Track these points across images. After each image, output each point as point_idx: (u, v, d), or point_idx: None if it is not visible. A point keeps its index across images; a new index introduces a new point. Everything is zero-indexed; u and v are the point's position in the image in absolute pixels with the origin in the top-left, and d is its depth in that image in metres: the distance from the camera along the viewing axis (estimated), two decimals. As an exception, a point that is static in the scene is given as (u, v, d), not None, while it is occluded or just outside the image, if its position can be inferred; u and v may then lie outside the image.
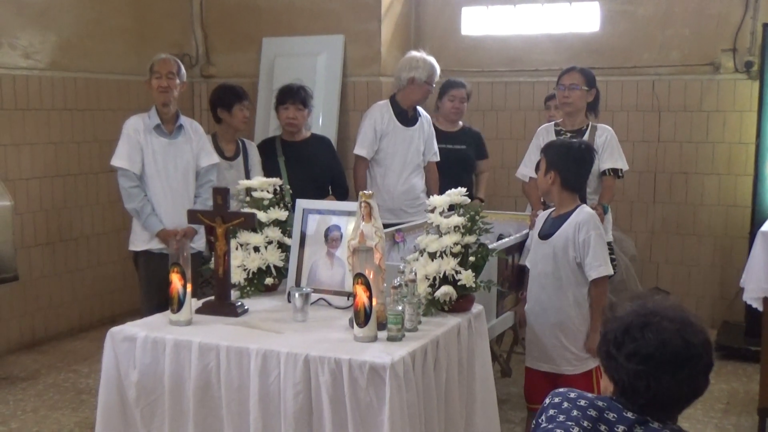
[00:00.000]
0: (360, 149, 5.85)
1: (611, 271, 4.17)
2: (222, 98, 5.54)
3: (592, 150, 4.40)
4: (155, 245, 5.06)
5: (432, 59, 5.93)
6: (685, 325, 2.07)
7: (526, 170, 5.27)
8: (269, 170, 5.48)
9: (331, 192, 5.71)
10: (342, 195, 5.71)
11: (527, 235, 4.74)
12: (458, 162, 6.17)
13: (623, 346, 2.09)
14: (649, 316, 2.09)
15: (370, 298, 3.20)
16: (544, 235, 4.22)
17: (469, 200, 3.83)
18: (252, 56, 7.95)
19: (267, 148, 5.72)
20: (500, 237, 4.93)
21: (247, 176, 5.38)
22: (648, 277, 7.24)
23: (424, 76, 5.84)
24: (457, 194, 3.75)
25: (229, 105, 5.49)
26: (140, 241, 5.11)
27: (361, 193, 3.50)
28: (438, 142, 6.05)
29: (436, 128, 6.13)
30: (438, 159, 6.00)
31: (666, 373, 2.04)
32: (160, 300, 4.30)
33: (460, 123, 6.35)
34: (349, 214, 3.83)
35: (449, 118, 6.25)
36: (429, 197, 3.91)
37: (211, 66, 8.20)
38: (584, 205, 4.25)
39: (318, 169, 5.64)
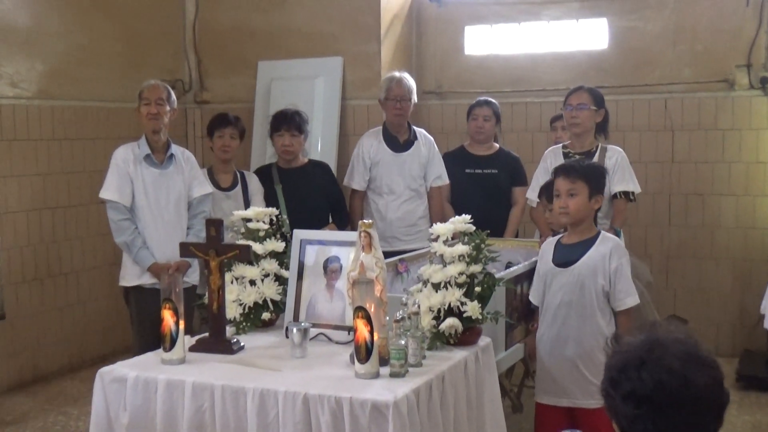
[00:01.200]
0: (350, 181, 5.96)
1: (638, 300, 4.18)
2: (208, 126, 5.61)
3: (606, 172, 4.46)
4: (147, 280, 5.05)
5: (394, 74, 5.97)
6: (691, 362, 1.91)
7: (534, 195, 5.27)
8: (266, 199, 5.50)
9: (331, 220, 5.72)
10: (342, 223, 5.73)
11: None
12: (487, 188, 6.07)
13: (619, 386, 1.94)
14: (649, 352, 1.93)
15: (371, 332, 3.18)
16: (563, 263, 4.20)
17: (486, 234, 3.78)
18: (247, 80, 7.97)
19: (263, 176, 5.74)
20: (508, 265, 4.90)
21: (247, 207, 5.39)
22: (665, 304, 7.19)
23: (382, 94, 5.93)
24: (461, 221, 3.74)
25: (210, 132, 5.54)
26: (131, 276, 5.10)
27: (360, 222, 3.50)
28: (468, 167, 6.06)
29: (467, 153, 6.13)
30: (444, 183, 5.99)
31: (665, 417, 1.89)
32: (153, 338, 4.28)
33: (496, 145, 6.28)
34: (350, 244, 3.81)
35: (475, 139, 6.20)
36: (432, 225, 3.91)
37: (205, 91, 8.22)
38: (602, 231, 4.27)
39: (317, 196, 5.66)
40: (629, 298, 4.11)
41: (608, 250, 4.10)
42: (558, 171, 4.27)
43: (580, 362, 4.14)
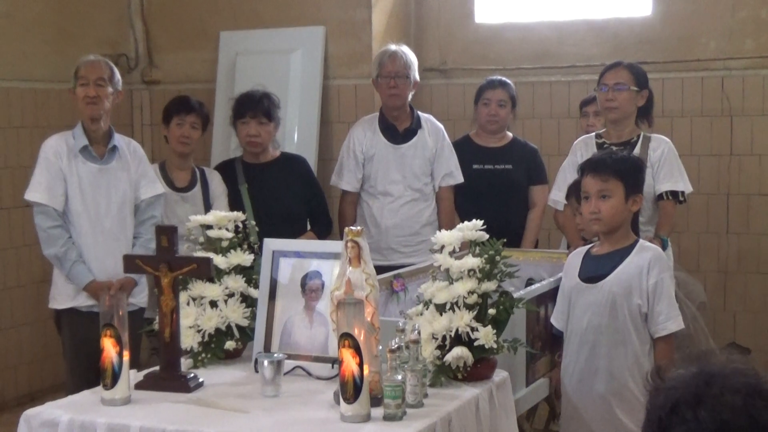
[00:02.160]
0: (339, 180, 5.96)
1: (683, 325, 4.20)
2: (164, 111, 5.62)
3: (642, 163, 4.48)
4: (83, 302, 5.06)
5: (388, 46, 6.01)
6: (755, 397, 1.88)
7: (561, 195, 5.28)
8: (230, 202, 5.51)
9: (309, 227, 5.72)
10: (324, 230, 5.74)
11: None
12: (500, 187, 6.11)
13: (671, 429, 1.91)
14: (705, 388, 1.91)
15: (360, 365, 3.18)
16: (591, 277, 4.22)
17: (502, 244, 3.79)
18: (207, 55, 7.98)
19: (225, 173, 5.75)
20: (529, 282, 4.92)
21: (207, 211, 5.38)
22: (722, 330, 7.21)
23: (374, 72, 5.97)
24: (471, 228, 3.75)
25: (167, 119, 5.55)
26: (63, 296, 5.11)
27: (347, 229, 3.50)
28: (476, 162, 6.08)
29: (474, 144, 6.15)
30: (457, 182, 5.99)
31: None
32: (90, 372, 4.29)
33: (509, 135, 6.31)
34: (333, 256, 3.82)
35: (486, 129, 6.22)
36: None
37: (155, 69, 8.23)
38: (641, 239, 4.28)
39: (291, 198, 5.67)
40: (671, 322, 4.12)
41: (646, 262, 4.12)
42: (585, 168, 4.28)
43: (613, 399, 4.15)
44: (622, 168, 4.20)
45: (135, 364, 3.87)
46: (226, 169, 5.83)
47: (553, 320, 4.46)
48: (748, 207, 7.24)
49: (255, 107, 5.63)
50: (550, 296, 4.74)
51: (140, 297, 5.20)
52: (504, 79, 6.28)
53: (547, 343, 4.70)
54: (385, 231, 5.88)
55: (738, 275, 7.30)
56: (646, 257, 4.14)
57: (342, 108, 7.61)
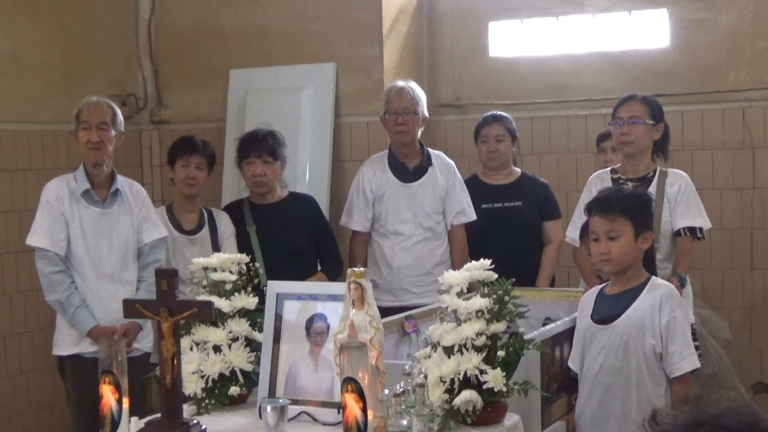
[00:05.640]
0: (349, 221, 6.00)
1: (698, 364, 4.16)
2: (168, 153, 5.66)
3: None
4: (86, 348, 5.07)
5: (395, 83, 6.08)
6: None
7: (576, 232, 5.27)
8: (238, 243, 5.52)
9: (320, 268, 5.72)
10: (334, 270, 5.74)
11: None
12: (511, 226, 6.13)
13: None
14: (696, 428, 1.91)
15: (364, 410, 3.17)
16: (604, 318, 4.20)
17: (512, 283, 3.77)
18: (216, 94, 8.02)
19: (233, 215, 5.78)
20: (546, 321, 4.91)
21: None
22: (749, 369, 7.16)
23: (382, 108, 6.02)
24: (478, 268, 3.74)
25: (172, 161, 5.58)
26: (67, 342, 5.13)
27: (349, 271, 3.49)
28: (485, 201, 6.10)
29: (482, 183, 6.16)
30: (469, 219, 6.00)
31: None
32: (94, 419, 4.27)
33: (517, 170, 6.35)
34: (339, 298, 3.80)
35: (488, 166, 6.30)
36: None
37: (164, 108, 8.26)
38: (654, 276, 4.25)
39: (300, 238, 5.67)
40: (685, 362, 4.09)
41: (658, 300, 4.10)
42: (593, 208, 4.28)
43: None
44: (629, 206, 4.19)
45: (139, 410, 3.87)
46: (233, 210, 5.86)
47: (570, 363, 4.44)
48: (773, 242, 7.21)
49: (259, 146, 5.66)
50: (566, 336, 4.72)
51: (146, 342, 5.21)
52: (500, 113, 6.40)
53: (563, 385, 4.67)
54: (397, 271, 5.88)
55: (764, 312, 7.24)
56: (657, 295, 4.12)
57: (354, 145, 7.61)
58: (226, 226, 5.68)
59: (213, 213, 5.74)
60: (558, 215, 6.25)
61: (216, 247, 5.51)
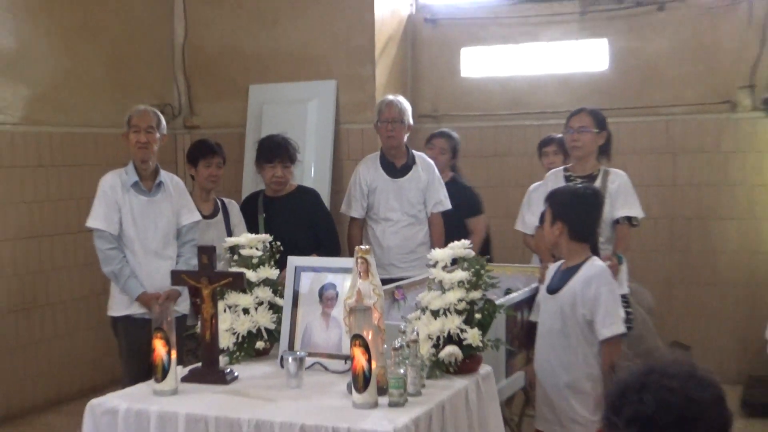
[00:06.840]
0: (348, 209, 6.05)
1: (623, 330, 4.15)
2: (190, 154, 5.64)
3: (600, 195, 4.44)
4: (136, 310, 5.06)
5: (386, 96, 6.06)
6: (690, 381, 1.95)
7: (535, 219, 5.25)
8: (248, 229, 5.49)
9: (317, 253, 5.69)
10: (330, 254, 5.68)
11: (537, 289, 4.73)
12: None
13: (621, 411, 1.96)
14: (648, 375, 1.98)
15: (369, 361, 3.19)
16: (553, 289, 4.23)
17: (486, 260, 3.81)
18: (238, 105, 8.01)
19: (250, 203, 5.78)
20: (508, 291, 4.93)
21: (230, 236, 5.37)
22: (667, 331, 7.18)
23: (375, 118, 6.02)
24: (460, 247, 3.76)
25: (194, 161, 5.56)
26: (120, 306, 5.11)
27: (357, 248, 3.53)
28: None
29: None
30: (445, 208, 6.02)
31: None
32: (143, 369, 4.28)
33: (450, 174, 6.39)
34: (345, 271, 3.83)
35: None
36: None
37: (195, 116, 8.25)
38: (595, 257, 4.25)
39: (299, 227, 5.63)
40: (605, 329, 4.05)
41: (589, 278, 4.09)
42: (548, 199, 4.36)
43: (568, 391, 4.14)
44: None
45: (180, 361, 3.87)
46: (250, 200, 5.88)
47: (532, 317, 4.49)
48: (689, 229, 7.25)
49: (282, 154, 5.65)
50: (525, 303, 4.76)
51: (183, 305, 5.20)
52: (448, 130, 6.61)
53: (523, 342, 4.71)
54: (387, 250, 5.90)
55: (680, 285, 7.30)
56: (589, 273, 4.11)
57: (351, 148, 7.62)
58: (235, 214, 5.67)
59: (225, 202, 5.72)
60: (480, 212, 6.35)
61: (228, 231, 5.51)
